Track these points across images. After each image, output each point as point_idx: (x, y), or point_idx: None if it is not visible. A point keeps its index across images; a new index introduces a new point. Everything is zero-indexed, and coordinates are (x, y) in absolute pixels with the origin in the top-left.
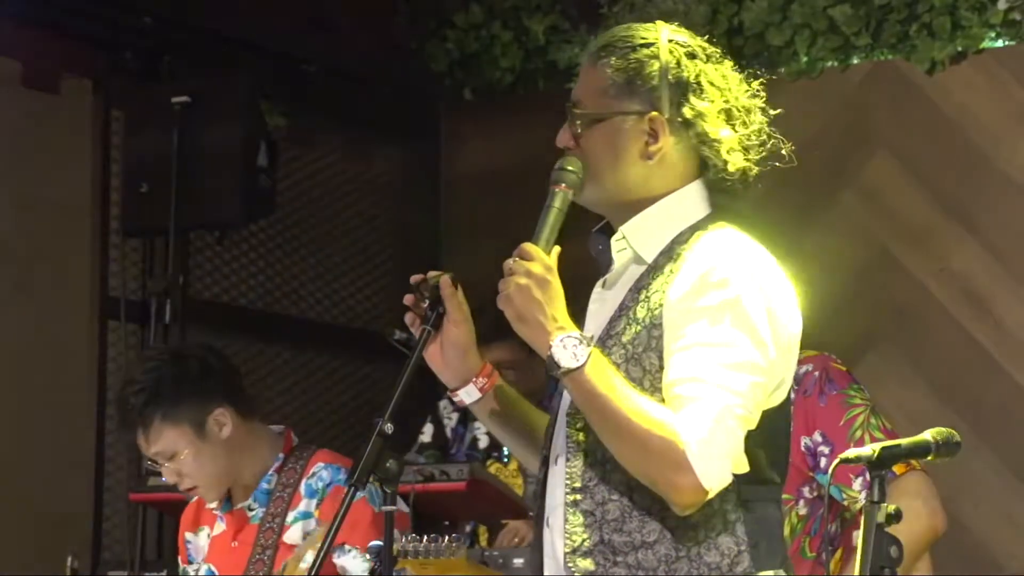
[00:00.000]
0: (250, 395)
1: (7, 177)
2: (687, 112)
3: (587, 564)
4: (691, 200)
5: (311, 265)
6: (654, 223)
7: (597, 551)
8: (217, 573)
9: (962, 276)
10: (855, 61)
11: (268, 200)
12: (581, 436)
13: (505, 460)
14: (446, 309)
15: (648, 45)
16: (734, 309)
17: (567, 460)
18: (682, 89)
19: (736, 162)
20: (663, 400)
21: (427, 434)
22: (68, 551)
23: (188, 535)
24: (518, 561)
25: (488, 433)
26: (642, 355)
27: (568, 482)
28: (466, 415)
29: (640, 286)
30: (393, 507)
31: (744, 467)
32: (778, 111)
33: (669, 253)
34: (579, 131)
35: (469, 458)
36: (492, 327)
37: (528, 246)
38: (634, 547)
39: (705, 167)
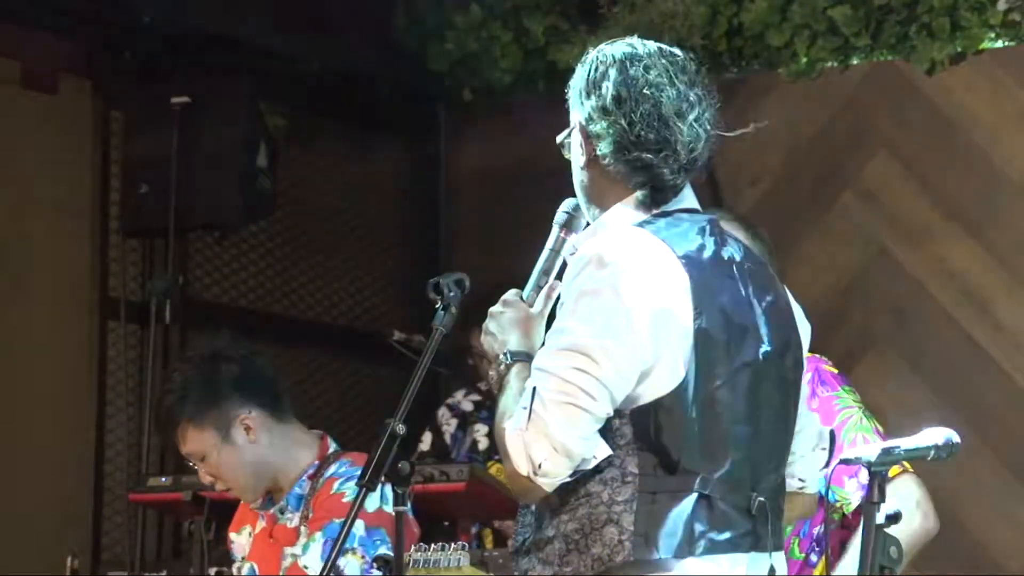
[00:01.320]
0: (286, 399)
1: (7, 177)
2: (587, 113)
3: (523, 562)
4: (624, 209)
5: (311, 266)
6: (596, 234)
7: (531, 549)
8: (257, 571)
9: (961, 276)
10: (855, 62)
11: (268, 201)
12: None
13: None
14: None
15: (584, 62)
16: (580, 298)
17: None
18: (587, 93)
19: (631, 151)
20: None
21: (426, 443)
22: (68, 551)
23: (232, 535)
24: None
25: (488, 435)
26: None
27: None
28: (465, 420)
29: None
30: (404, 508)
31: (603, 451)
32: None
33: None
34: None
35: (470, 460)
36: (476, 314)
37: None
38: (544, 543)
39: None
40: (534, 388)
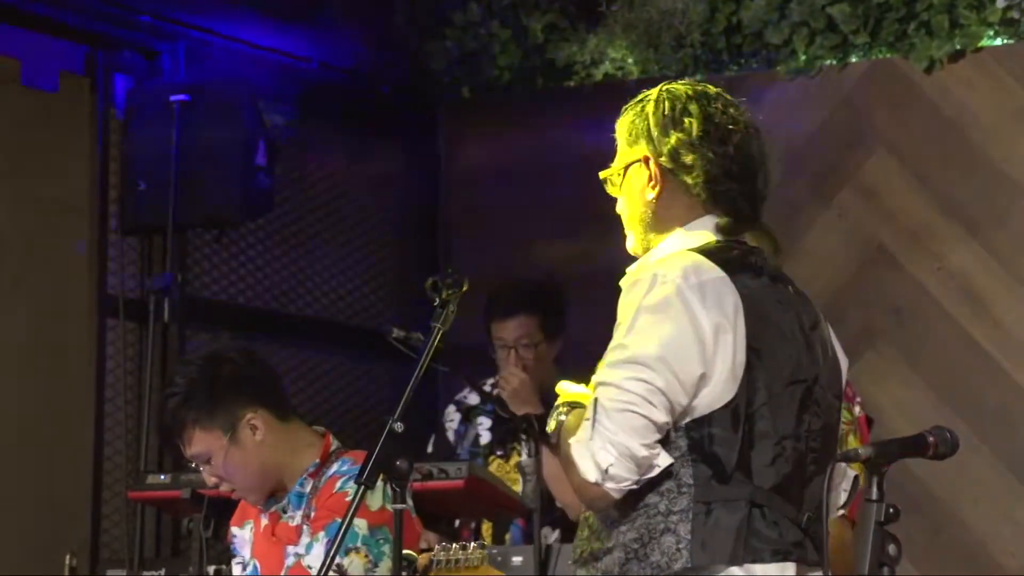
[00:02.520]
0: (287, 397)
1: (6, 175)
2: (667, 146)
3: (581, 572)
4: (692, 234)
5: (309, 263)
6: (654, 259)
7: (589, 560)
8: (260, 569)
9: (960, 275)
10: (853, 59)
11: (266, 198)
12: None
13: (504, 456)
14: None
15: (644, 99)
16: (638, 314)
17: None
18: (664, 126)
19: (721, 183)
20: None
21: (430, 445)
22: (67, 549)
23: (234, 529)
24: (517, 559)
25: (490, 429)
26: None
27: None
28: (468, 415)
29: None
30: (403, 505)
31: (665, 460)
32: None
33: None
34: (617, 192)
35: (471, 454)
36: (508, 305)
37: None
38: (603, 553)
39: (702, 199)
40: (595, 400)
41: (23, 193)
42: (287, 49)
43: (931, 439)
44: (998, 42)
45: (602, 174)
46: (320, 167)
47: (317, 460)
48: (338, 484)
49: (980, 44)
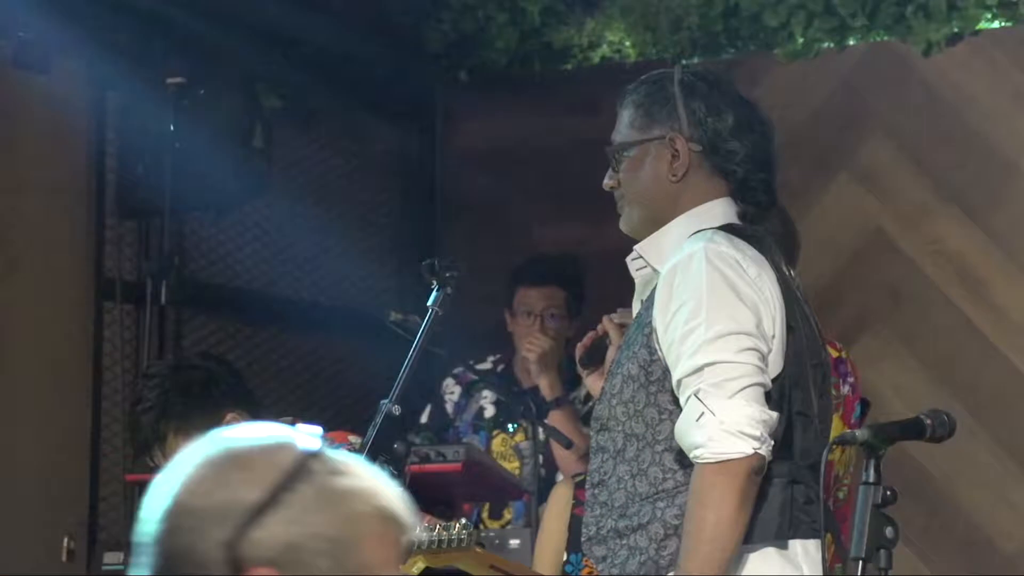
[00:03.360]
0: (254, 394)
1: (1, 159)
2: (703, 130)
3: (600, 550)
4: (708, 214)
5: (307, 246)
6: (668, 238)
7: (608, 537)
8: None
9: (958, 257)
10: (851, 42)
11: (263, 181)
12: (599, 436)
13: (511, 430)
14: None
15: (663, 78)
16: (708, 294)
17: (591, 458)
18: (695, 110)
19: (751, 171)
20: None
21: (425, 415)
22: (64, 532)
23: None
24: (514, 542)
25: (495, 403)
26: (639, 352)
27: (589, 479)
28: (470, 388)
29: (647, 295)
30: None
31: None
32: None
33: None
34: (617, 167)
35: (475, 427)
36: (542, 274)
37: None
38: (632, 530)
39: (730, 186)
40: (695, 394)
41: (19, 176)
42: (284, 32)
43: (928, 422)
44: (996, 25)
45: (613, 145)
46: (317, 150)
47: None
48: None
49: (978, 27)
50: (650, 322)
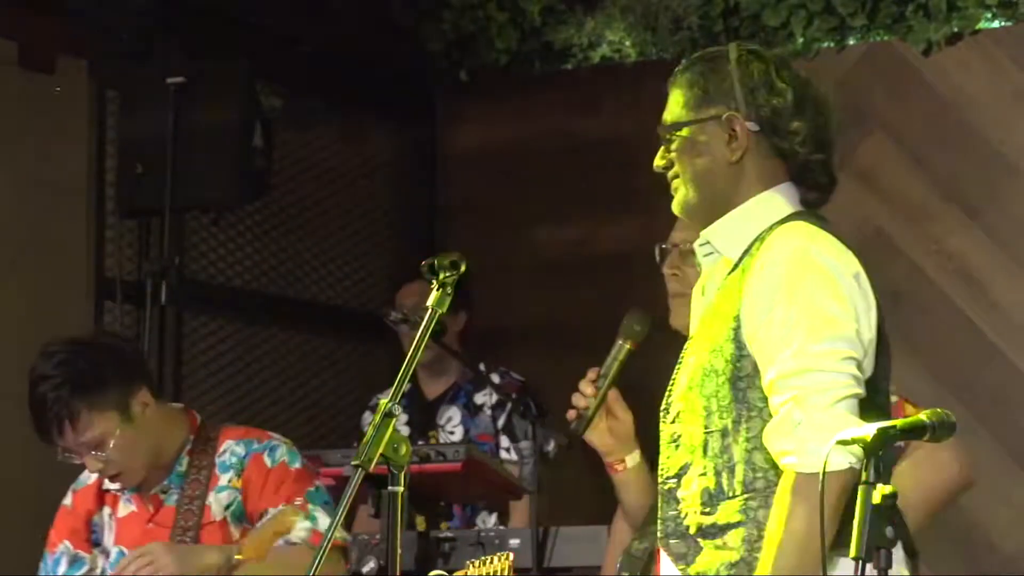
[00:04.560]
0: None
1: (3, 158)
2: (761, 109)
3: (680, 547)
4: (776, 200)
5: (307, 246)
6: (737, 224)
7: (688, 534)
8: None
9: (958, 257)
10: (851, 42)
11: (263, 181)
12: (674, 427)
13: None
14: (615, 414)
15: (717, 56)
16: (809, 297)
17: (663, 451)
18: (753, 88)
19: (812, 152)
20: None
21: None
22: None
23: (95, 518)
24: (514, 541)
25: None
26: (723, 345)
27: (663, 472)
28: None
29: (725, 284)
30: (398, 487)
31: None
32: None
33: (749, 251)
34: (670, 148)
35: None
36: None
37: None
38: (720, 529)
39: (791, 167)
40: (791, 400)
41: (20, 175)
42: (284, 32)
43: (928, 422)
44: (996, 24)
45: (664, 125)
46: (317, 150)
47: (191, 436)
48: (267, 459)
49: (978, 26)
50: (736, 315)
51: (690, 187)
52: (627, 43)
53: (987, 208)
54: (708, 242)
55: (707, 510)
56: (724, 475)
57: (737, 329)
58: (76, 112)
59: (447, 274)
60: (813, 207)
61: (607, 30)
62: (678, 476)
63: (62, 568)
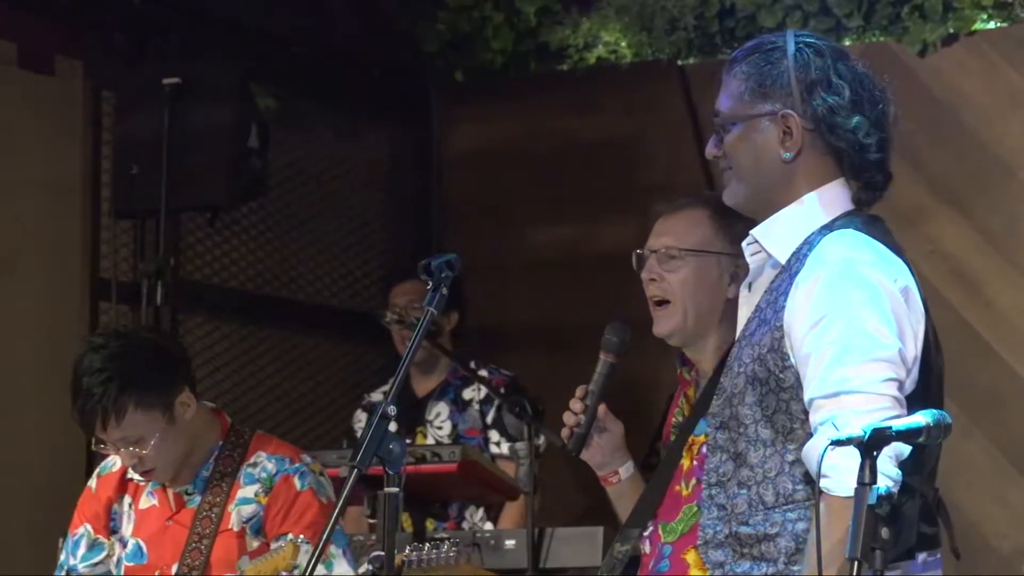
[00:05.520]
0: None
1: (1, 158)
2: (818, 107)
3: (718, 555)
4: (827, 200)
5: (302, 247)
6: (787, 224)
7: (727, 543)
8: (145, 549)
9: (953, 258)
10: (847, 43)
11: (259, 182)
12: (718, 435)
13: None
14: (605, 427)
15: (775, 48)
16: (854, 310)
17: (707, 457)
18: (810, 85)
19: (868, 151)
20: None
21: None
22: (60, 532)
23: (115, 506)
24: (510, 542)
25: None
26: (767, 355)
27: (706, 478)
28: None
29: (772, 287)
30: (395, 489)
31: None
32: None
33: (798, 254)
34: (722, 139)
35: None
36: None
37: None
38: (758, 539)
39: (845, 164)
40: (831, 421)
41: (16, 175)
42: (280, 32)
43: (926, 423)
44: (991, 25)
45: (720, 115)
46: (313, 150)
47: (220, 441)
48: (297, 481)
49: (973, 27)
50: (781, 325)
51: (741, 181)
52: (623, 44)
53: (982, 208)
54: (756, 241)
55: (746, 520)
56: (764, 486)
57: (781, 339)
58: (73, 112)
59: (442, 274)
60: (865, 205)
61: (603, 31)
62: (719, 483)
63: (81, 551)
